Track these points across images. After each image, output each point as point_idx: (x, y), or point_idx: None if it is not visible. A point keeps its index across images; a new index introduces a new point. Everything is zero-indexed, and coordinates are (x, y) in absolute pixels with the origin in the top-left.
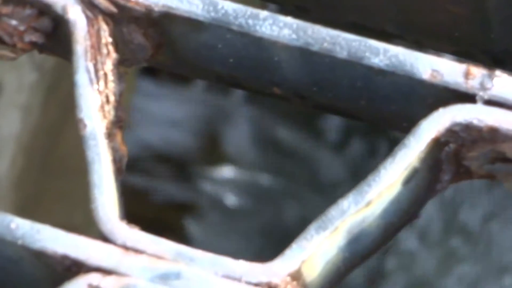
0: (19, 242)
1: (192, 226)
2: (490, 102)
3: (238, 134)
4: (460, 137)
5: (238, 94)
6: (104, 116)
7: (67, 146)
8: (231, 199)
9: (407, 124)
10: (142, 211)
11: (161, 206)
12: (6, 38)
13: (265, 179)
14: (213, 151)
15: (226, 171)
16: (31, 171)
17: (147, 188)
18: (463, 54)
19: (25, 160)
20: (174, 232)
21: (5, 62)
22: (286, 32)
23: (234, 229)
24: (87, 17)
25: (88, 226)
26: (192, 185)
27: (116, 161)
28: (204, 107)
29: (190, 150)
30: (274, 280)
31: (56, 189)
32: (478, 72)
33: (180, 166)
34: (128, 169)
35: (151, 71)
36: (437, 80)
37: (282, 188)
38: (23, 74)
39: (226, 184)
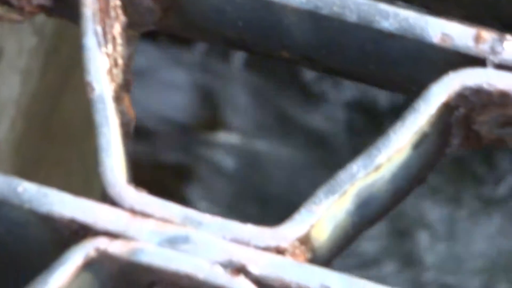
0: (26, 205)
1: (190, 191)
2: (500, 66)
3: (238, 99)
4: (470, 101)
5: (238, 58)
6: (112, 80)
7: (67, 111)
8: (229, 165)
9: (416, 88)
10: (139, 175)
11: (159, 170)
12: (14, 1)
13: (264, 145)
14: (212, 116)
15: (225, 137)
16: (30, 136)
17: (144, 152)
18: (472, 18)
19: (25, 124)
20: (172, 196)
21: (4, 26)
22: None
23: (232, 195)
24: None
25: (87, 193)
26: (191, 150)
27: (124, 124)
28: (203, 71)
29: (189, 114)
30: (283, 244)
31: (55, 154)
32: (488, 36)
33: (178, 130)
34: None
35: (150, 35)
36: (447, 44)
37: (281, 154)
38: (23, 39)
39: (225, 150)
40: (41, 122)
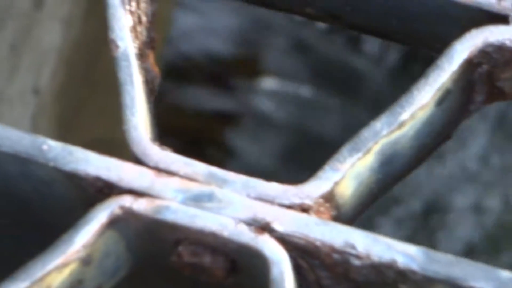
0: (51, 164)
1: (233, 137)
2: None
3: (279, 45)
4: (493, 58)
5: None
6: (136, 37)
7: (109, 60)
8: (272, 111)
9: (439, 45)
10: (183, 122)
11: (202, 117)
12: None
13: (306, 90)
14: (253, 62)
15: (267, 83)
16: (72, 84)
17: (188, 99)
18: None
19: (67, 73)
20: (216, 143)
21: None
22: None
23: (275, 141)
24: None
25: None
26: (233, 96)
27: (148, 82)
28: (244, 18)
29: (230, 61)
30: (307, 202)
31: (97, 103)
32: None
33: (221, 77)
34: (170, 81)
35: None
36: (470, 1)
37: (323, 100)
38: None
39: (267, 95)
40: (83, 71)
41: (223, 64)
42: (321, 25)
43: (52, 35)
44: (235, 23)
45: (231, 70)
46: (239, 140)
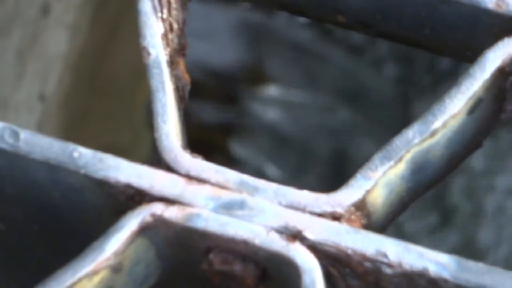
0: (82, 171)
1: (237, 147)
2: None
3: (283, 53)
4: None
5: (283, 14)
6: (168, 44)
7: (114, 66)
8: (276, 119)
9: (471, 54)
10: (187, 131)
11: (206, 126)
12: None
13: (310, 98)
14: (258, 70)
15: (271, 90)
16: (78, 90)
17: (192, 108)
18: None
19: (73, 79)
20: (219, 152)
21: None
22: None
23: (279, 149)
24: None
25: (134, 146)
26: (238, 105)
27: (179, 89)
28: (249, 26)
29: (235, 69)
30: (338, 210)
31: (103, 108)
32: None
33: (225, 85)
34: None
35: None
36: (503, 9)
37: (327, 107)
38: None
39: (271, 104)
40: (89, 77)
41: (226, 72)
42: (326, 32)
43: (58, 42)
44: (239, 30)
45: (234, 78)
46: (242, 149)
